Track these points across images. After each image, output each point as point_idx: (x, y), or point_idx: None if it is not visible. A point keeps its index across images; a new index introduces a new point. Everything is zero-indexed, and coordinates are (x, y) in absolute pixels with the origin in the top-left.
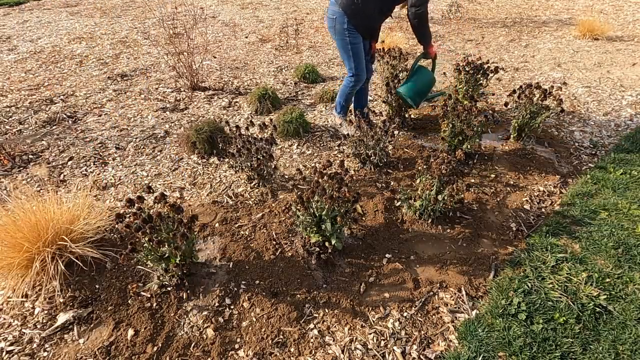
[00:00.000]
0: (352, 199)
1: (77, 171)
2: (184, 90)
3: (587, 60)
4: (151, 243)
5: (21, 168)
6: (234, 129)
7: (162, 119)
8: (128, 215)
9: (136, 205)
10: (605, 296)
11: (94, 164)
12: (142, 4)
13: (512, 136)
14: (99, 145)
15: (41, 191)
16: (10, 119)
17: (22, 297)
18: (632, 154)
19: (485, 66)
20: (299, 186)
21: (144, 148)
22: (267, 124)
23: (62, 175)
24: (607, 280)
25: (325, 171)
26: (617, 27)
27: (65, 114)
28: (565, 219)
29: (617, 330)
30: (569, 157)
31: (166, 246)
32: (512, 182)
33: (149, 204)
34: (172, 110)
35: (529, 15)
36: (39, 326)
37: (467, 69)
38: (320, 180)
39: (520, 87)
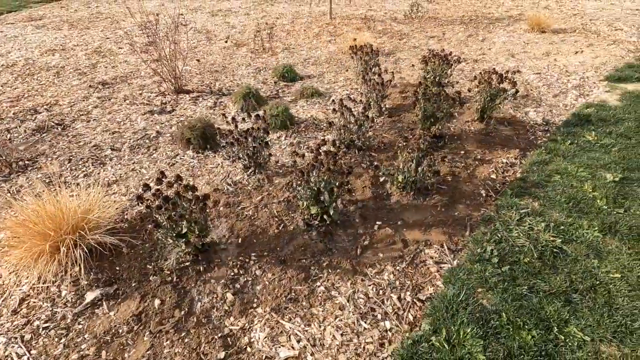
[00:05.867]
0: (347, 171)
1: (77, 172)
2: (169, 94)
3: (537, 51)
4: (170, 221)
5: (19, 173)
6: (231, 120)
7: (152, 121)
8: (147, 199)
9: (154, 187)
10: (560, 239)
11: (92, 165)
12: (109, 15)
13: (476, 118)
14: (94, 147)
15: (44, 191)
16: None
17: (47, 283)
18: (577, 127)
19: (449, 57)
20: (296, 162)
21: (138, 148)
22: (261, 115)
23: (62, 177)
24: (562, 227)
25: (320, 149)
26: (561, 21)
27: (53, 122)
28: (525, 183)
29: (571, 265)
30: (526, 133)
31: (185, 222)
32: (479, 157)
33: (162, 188)
34: (159, 113)
35: (484, 13)
36: (69, 305)
37: (433, 60)
38: (317, 156)
39: (480, 73)
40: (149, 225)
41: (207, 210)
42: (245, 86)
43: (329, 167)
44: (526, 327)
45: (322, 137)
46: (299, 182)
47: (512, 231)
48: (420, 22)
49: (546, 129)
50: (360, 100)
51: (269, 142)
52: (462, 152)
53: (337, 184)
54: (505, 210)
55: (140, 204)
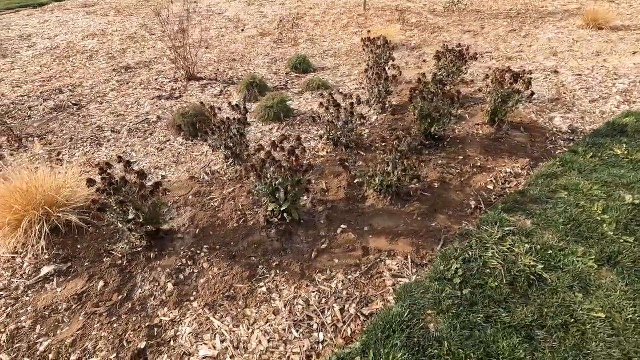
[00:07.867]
0: (303, 168)
1: (75, 151)
2: (181, 81)
3: (586, 50)
4: (121, 206)
5: (27, 148)
6: (209, 109)
7: (157, 106)
8: (99, 183)
9: (106, 171)
10: (542, 266)
11: (89, 145)
12: (154, 2)
13: (487, 121)
14: (97, 128)
15: (38, 167)
16: (22, 107)
17: (13, 253)
18: (607, 138)
19: (464, 53)
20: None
21: (136, 131)
22: (239, 105)
23: (60, 155)
24: (549, 252)
25: (281, 144)
26: (626, 17)
27: (71, 102)
28: (524, 197)
29: (547, 296)
30: (544, 141)
31: (131, 208)
32: (479, 164)
33: (121, 173)
34: (167, 99)
35: (535, 6)
36: (24, 277)
37: (447, 56)
38: (272, 151)
39: (493, 72)
40: (99, 206)
41: (159, 198)
42: (251, 75)
43: (280, 165)
44: None
45: (315, 132)
46: (253, 177)
47: (488, 250)
48: (460, 15)
49: (571, 137)
50: (357, 96)
51: (259, 134)
52: (461, 157)
53: (295, 181)
54: (487, 226)
55: (90, 187)
